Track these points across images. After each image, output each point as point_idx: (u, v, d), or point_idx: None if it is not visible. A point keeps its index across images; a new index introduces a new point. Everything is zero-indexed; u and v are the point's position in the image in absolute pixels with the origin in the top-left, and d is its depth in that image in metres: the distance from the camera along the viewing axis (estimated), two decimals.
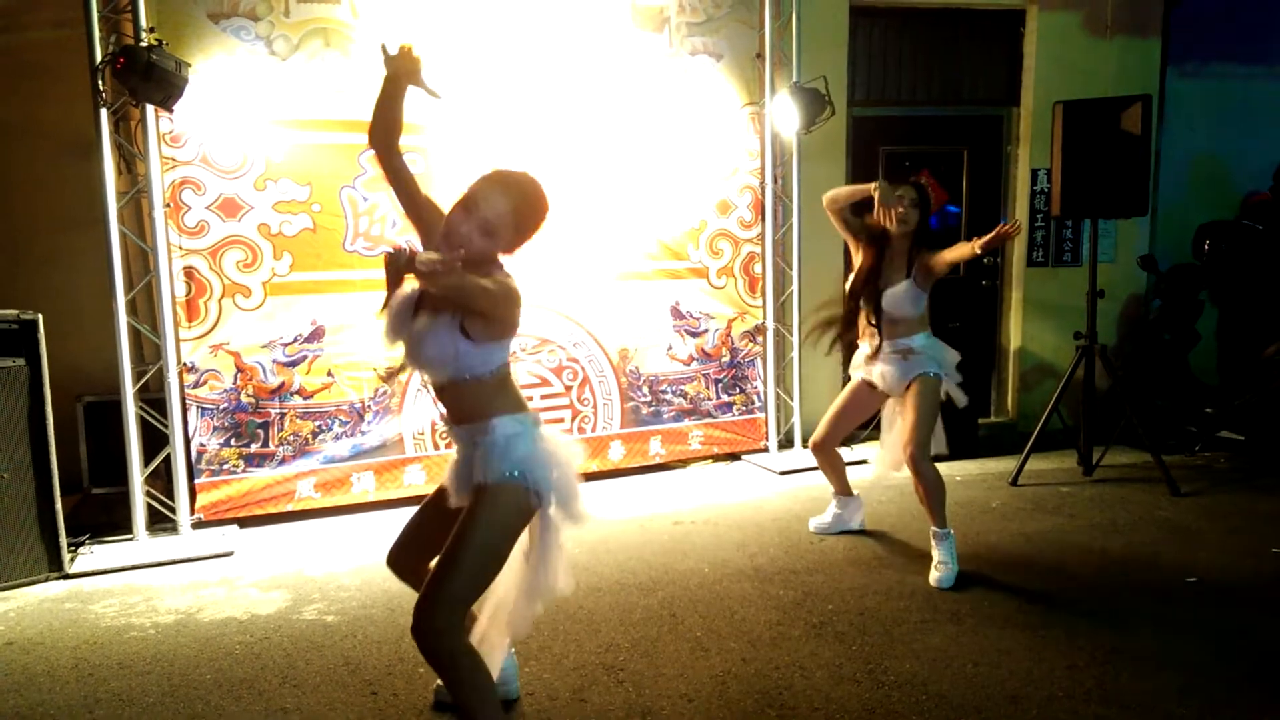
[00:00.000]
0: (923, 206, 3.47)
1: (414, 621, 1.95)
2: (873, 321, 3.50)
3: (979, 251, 3.31)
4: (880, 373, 3.54)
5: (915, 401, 3.42)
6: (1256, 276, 5.67)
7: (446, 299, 1.96)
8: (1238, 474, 4.86)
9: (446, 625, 1.95)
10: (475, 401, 2.07)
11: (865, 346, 3.61)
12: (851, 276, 3.58)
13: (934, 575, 3.33)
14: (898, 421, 3.57)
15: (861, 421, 3.84)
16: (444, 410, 2.14)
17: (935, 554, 3.39)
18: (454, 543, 1.99)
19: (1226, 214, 5.78)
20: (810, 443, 3.85)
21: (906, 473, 3.47)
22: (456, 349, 1.99)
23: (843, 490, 3.92)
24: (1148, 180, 4.62)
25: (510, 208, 2.02)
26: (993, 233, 3.28)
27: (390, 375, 2.13)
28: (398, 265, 1.76)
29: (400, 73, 2.02)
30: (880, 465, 3.71)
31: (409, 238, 4.26)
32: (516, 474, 2.02)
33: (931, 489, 3.39)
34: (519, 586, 2.12)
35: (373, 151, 2.13)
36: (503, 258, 2.11)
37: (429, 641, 1.95)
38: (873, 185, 3.51)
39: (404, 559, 2.30)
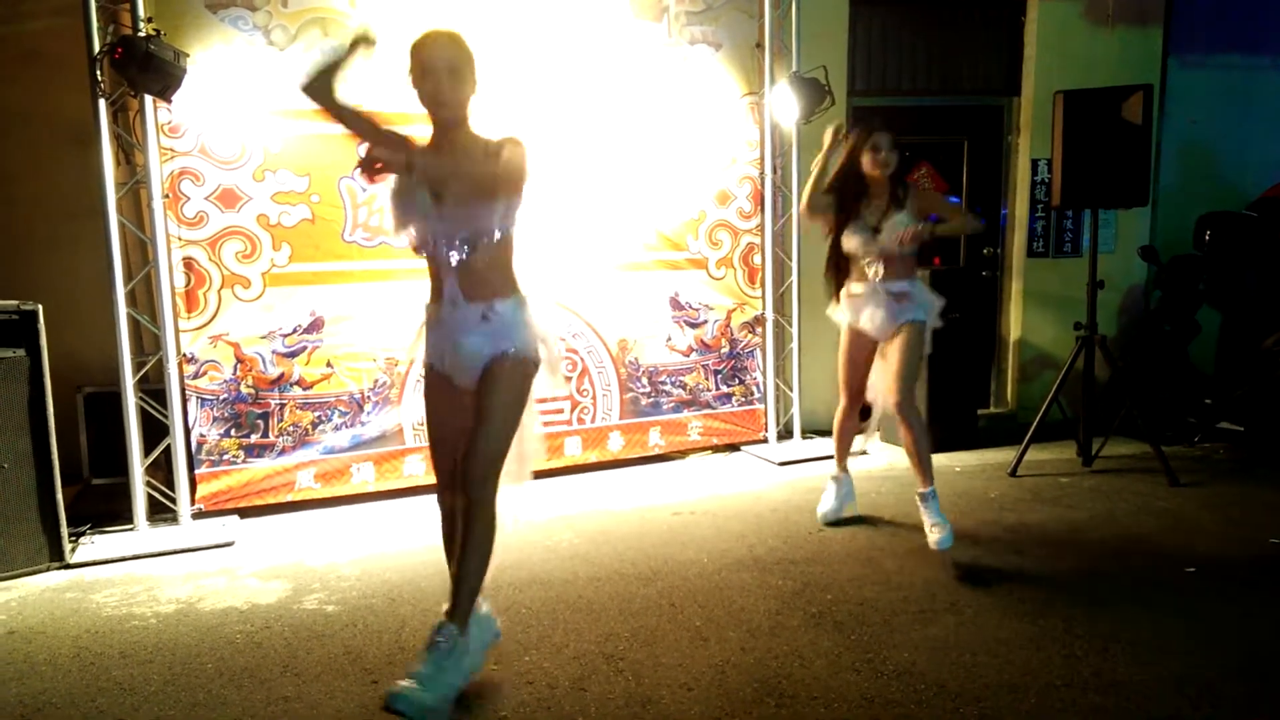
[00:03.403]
0: (899, 149, 3.50)
1: (462, 476, 2.27)
2: (869, 263, 3.51)
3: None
4: (869, 315, 3.54)
5: (902, 347, 3.44)
6: (1257, 267, 5.66)
7: (462, 170, 2.20)
8: (1236, 465, 4.87)
9: (489, 476, 2.27)
10: (489, 275, 2.29)
11: (854, 288, 3.60)
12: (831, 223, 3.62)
13: (933, 538, 3.36)
14: (880, 364, 3.60)
15: (869, 366, 3.73)
16: (454, 290, 2.29)
17: (927, 517, 3.41)
18: (483, 412, 2.28)
19: (1227, 205, 5.77)
20: (841, 412, 3.81)
21: (905, 464, 3.48)
22: (492, 209, 2.21)
23: (842, 465, 3.93)
24: (1148, 170, 4.61)
25: (455, 44, 2.22)
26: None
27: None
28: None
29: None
30: (875, 398, 3.69)
31: None
32: (526, 348, 2.31)
33: (919, 437, 3.43)
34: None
35: (313, 103, 2.24)
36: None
37: (475, 490, 2.26)
38: (827, 136, 3.52)
39: (453, 472, 2.40)
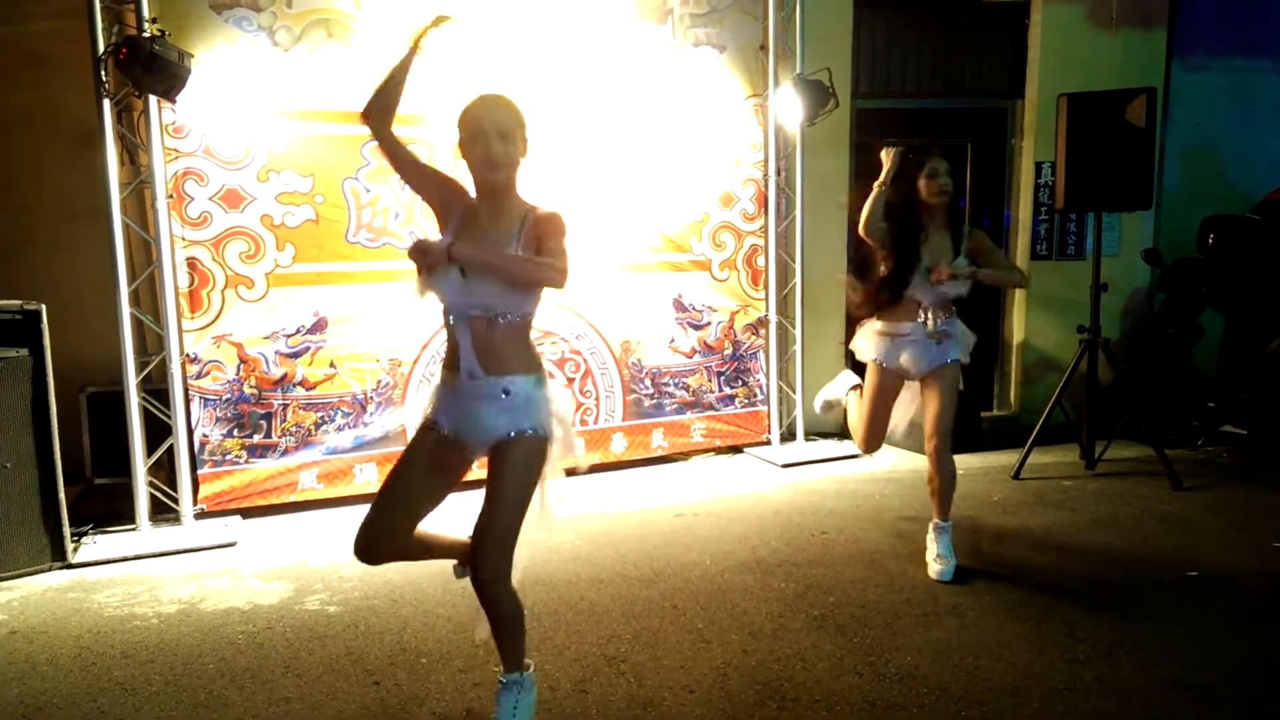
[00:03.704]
0: (954, 174, 3.31)
1: (477, 571, 2.18)
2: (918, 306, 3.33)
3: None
4: (910, 357, 3.37)
5: (941, 390, 3.34)
6: (1260, 271, 5.66)
7: (503, 229, 2.19)
8: (1240, 468, 4.86)
9: (506, 569, 2.20)
10: (508, 351, 2.22)
11: (897, 327, 3.39)
12: (882, 259, 3.37)
13: (935, 569, 3.33)
14: (905, 402, 3.50)
15: (892, 407, 3.54)
16: (472, 363, 2.21)
17: (935, 547, 3.38)
18: (498, 495, 2.19)
19: (1231, 208, 5.76)
20: (861, 448, 3.67)
21: (913, 464, 3.46)
22: (517, 291, 2.18)
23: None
24: (1152, 173, 4.60)
25: (506, 108, 2.18)
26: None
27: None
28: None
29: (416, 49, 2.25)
30: (898, 420, 3.59)
31: (412, 229, 4.27)
32: (542, 429, 2.24)
33: (948, 483, 3.37)
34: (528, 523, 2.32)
35: (367, 128, 2.22)
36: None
37: (492, 587, 2.18)
38: (887, 157, 3.30)
39: (391, 538, 2.33)
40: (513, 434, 2.20)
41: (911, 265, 3.30)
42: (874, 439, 3.56)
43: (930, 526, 3.44)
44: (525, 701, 2.29)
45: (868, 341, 3.49)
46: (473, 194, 2.27)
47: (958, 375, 3.41)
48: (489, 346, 2.21)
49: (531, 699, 2.32)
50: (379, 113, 2.20)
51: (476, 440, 2.26)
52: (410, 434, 4.46)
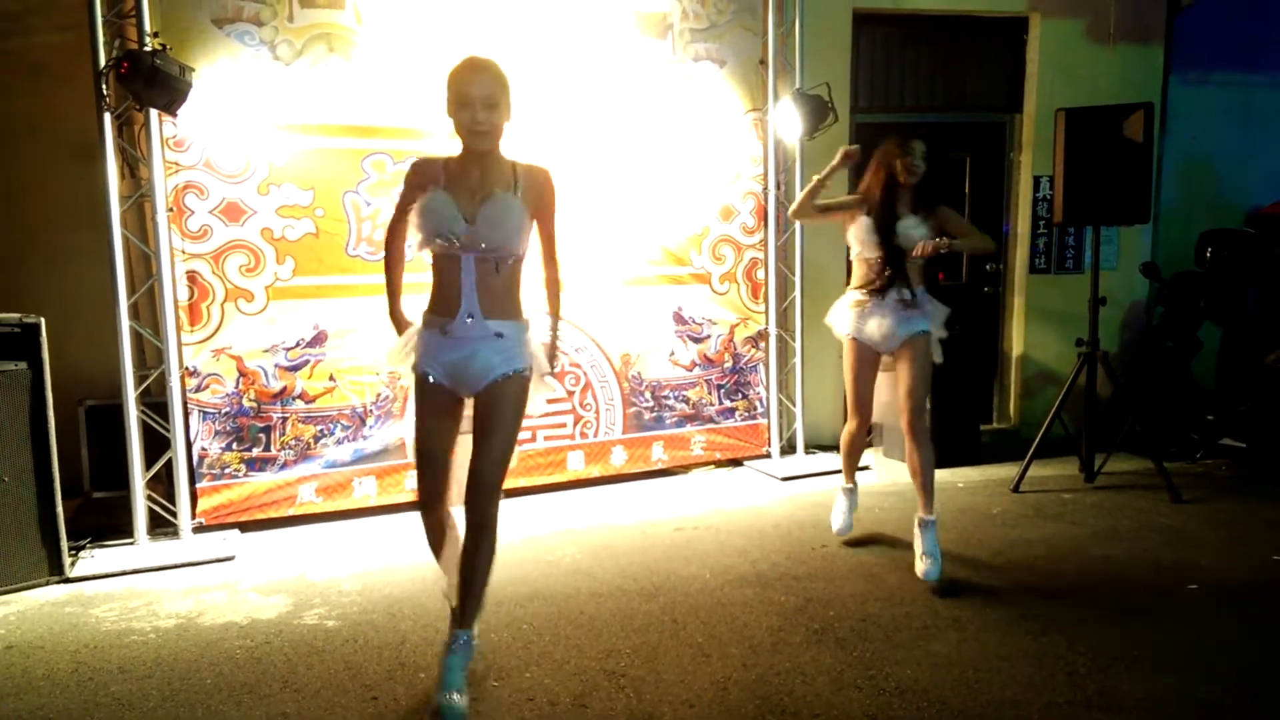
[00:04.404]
0: (928, 160, 3.44)
1: (472, 495, 2.36)
2: (883, 269, 3.42)
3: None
4: (876, 324, 3.45)
5: (912, 363, 3.39)
6: (1258, 284, 5.68)
7: (498, 181, 2.40)
8: (1239, 481, 4.86)
9: (496, 490, 2.39)
10: (506, 295, 2.44)
11: (854, 294, 3.53)
12: (863, 224, 3.47)
13: (921, 567, 3.32)
14: (886, 381, 3.59)
15: (875, 379, 3.63)
16: (473, 305, 2.39)
17: (921, 544, 3.35)
18: (492, 428, 2.39)
19: (1228, 222, 5.78)
20: (849, 433, 3.70)
21: (908, 481, 3.47)
22: (523, 223, 2.41)
23: (851, 478, 3.84)
24: (1150, 187, 4.61)
25: (491, 76, 2.34)
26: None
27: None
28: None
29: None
30: (880, 419, 3.67)
31: (410, 243, 4.27)
32: (528, 367, 2.46)
33: (927, 459, 3.39)
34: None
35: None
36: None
37: (483, 505, 2.36)
38: (839, 155, 3.54)
39: (444, 484, 2.52)
40: (506, 373, 2.40)
41: (894, 250, 3.42)
42: (862, 412, 3.61)
43: (915, 521, 3.42)
44: (464, 661, 2.40)
45: (839, 316, 3.60)
46: (443, 158, 2.46)
47: (929, 347, 3.44)
48: (488, 290, 2.39)
49: (469, 658, 2.42)
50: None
51: (470, 385, 2.43)
52: (409, 448, 4.49)
